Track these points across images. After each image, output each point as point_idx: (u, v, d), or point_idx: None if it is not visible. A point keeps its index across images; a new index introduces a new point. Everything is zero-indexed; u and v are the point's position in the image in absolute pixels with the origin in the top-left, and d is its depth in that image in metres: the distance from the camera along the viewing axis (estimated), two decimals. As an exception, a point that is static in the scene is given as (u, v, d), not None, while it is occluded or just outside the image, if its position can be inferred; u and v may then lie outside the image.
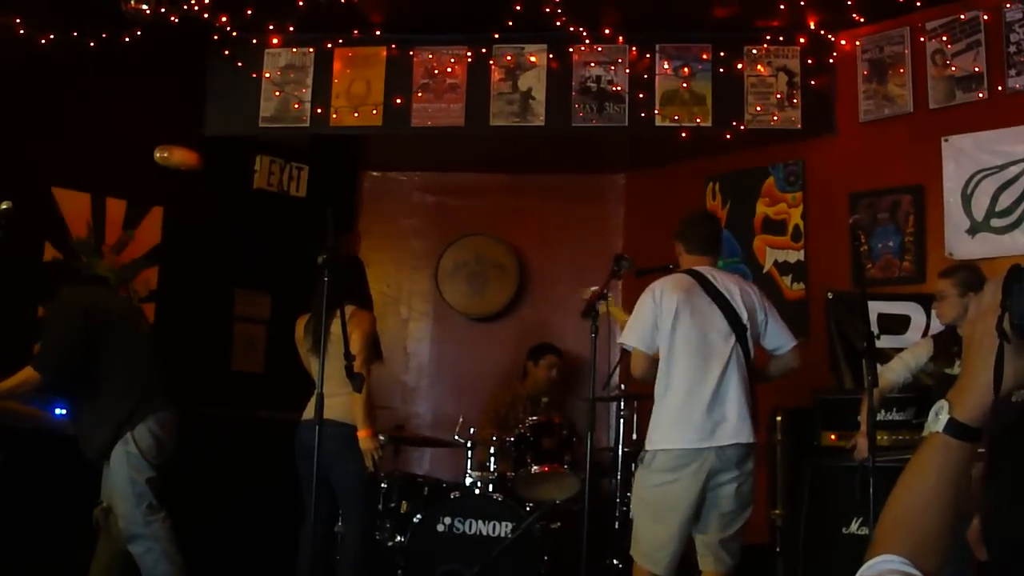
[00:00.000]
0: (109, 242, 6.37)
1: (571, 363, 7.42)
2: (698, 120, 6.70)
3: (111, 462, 4.94)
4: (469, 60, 6.87)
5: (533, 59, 6.83)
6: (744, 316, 4.71)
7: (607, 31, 6.75)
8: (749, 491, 4.67)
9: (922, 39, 6.25)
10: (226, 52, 6.85)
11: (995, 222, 5.93)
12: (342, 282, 4.70)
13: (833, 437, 5.62)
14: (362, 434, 5.11)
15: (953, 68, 6.10)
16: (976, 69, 6.00)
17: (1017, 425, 1.22)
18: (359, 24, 6.78)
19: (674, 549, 4.57)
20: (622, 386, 6.44)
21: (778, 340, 4.89)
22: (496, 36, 6.82)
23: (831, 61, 6.64)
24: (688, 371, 4.63)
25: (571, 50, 6.82)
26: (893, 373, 5.06)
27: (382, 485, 6.09)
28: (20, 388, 4.79)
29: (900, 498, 1.40)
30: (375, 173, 8.00)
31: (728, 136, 6.74)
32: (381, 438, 5.27)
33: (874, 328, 5.60)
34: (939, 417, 1.39)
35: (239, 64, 6.88)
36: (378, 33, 6.87)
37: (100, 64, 6.25)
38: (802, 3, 6.32)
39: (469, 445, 6.14)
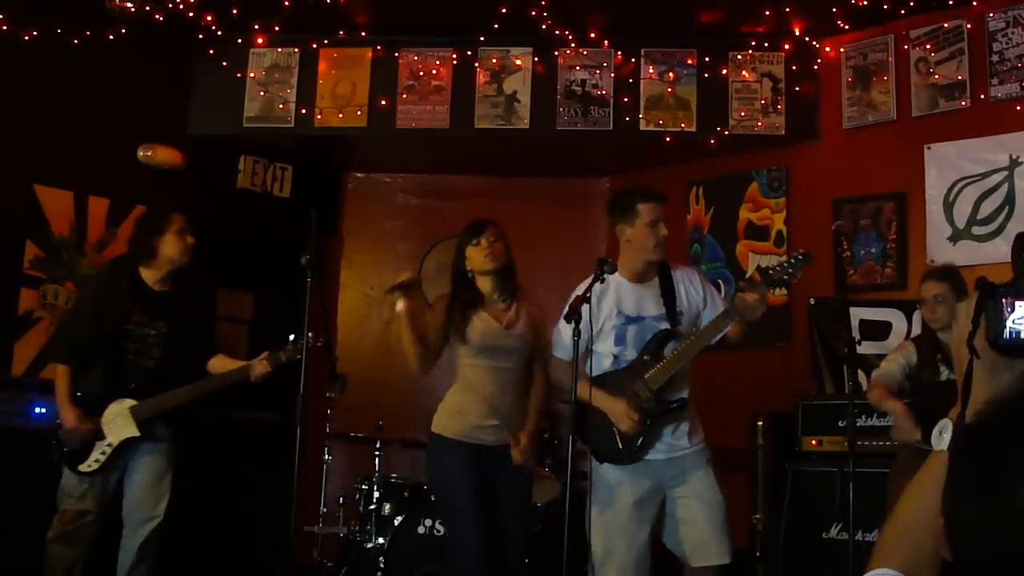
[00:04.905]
0: (91, 240, 6.34)
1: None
2: (682, 125, 6.72)
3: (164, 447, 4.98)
4: (454, 62, 6.87)
5: (518, 62, 6.83)
6: None
7: (593, 35, 6.76)
8: None
9: (906, 47, 6.28)
10: (211, 51, 6.83)
11: (976, 230, 5.96)
12: None
13: (814, 442, 5.64)
14: None
15: (936, 76, 6.13)
16: (959, 77, 6.03)
17: (980, 424, 1.23)
18: (344, 25, 6.77)
19: None
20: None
21: None
22: (482, 39, 6.83)
23: (815, 68, 6.67)
24: None
25: (556, 53, 6.83)
26: (888, 371, 4.93)
27: (362, 487, 6.08)
28: None
29: (902, 513, 1.43)
30: (359, 174, 7.99)
31: (712, 141, 6.76)
32: None
33: (856, 334, 5.63)
34: (943, 436, 1.41)
35: (224, 63, 6.86)
36: (363, 34, 6.87)
37: (84, 61, 6.23)
38: (787, 9, 6.34)
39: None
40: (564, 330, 4.29)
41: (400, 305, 4.47)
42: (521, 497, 4.59)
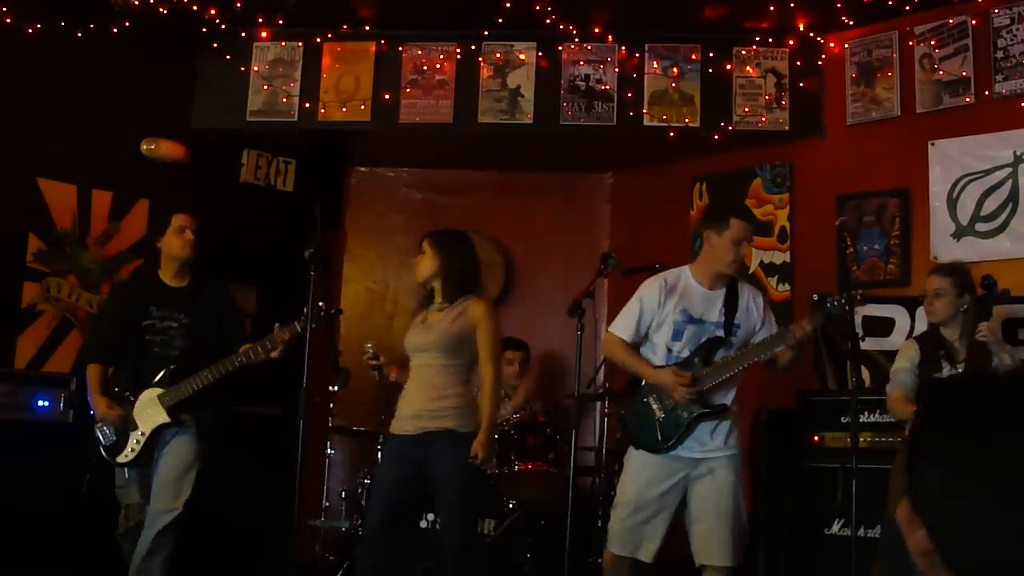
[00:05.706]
0: (94, 234, 6.34)
1: (557, 361, 7.42)
2: (686, 120, 6.71)
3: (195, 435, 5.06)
4: (458, 57, 6.86)
5: (522, 57, 6.82)
6: None
7: (597, 30, 6.75)
8: None
9: (910, 43, 6.27)
10: (214, 45, 6.82)
11: (980, 226, 5.96)
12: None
13: (816, 438, 5.63)
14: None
15: (940, 72, 6.12)
16: (963, 74, 6.02)
17: (944, 403, 1.21)
18: (348, 19, 6.76)
19: None
20: (607, 384, 6.44)
21: None
22: (486, 33, 6.82)
23: (820, 63, 6.65)
24: None
25: (560, 48, 6.82)
26: (901, 380, 4.88)
27: (364, 481, 6.09)
28: None
29: None
30: (363, 168, 7.98)
31: (716, 137, 6.75)
32: None
33: (859, 330, 5.62)
34: None
35: (227, 57, 6.85)
36: (367, 28, 6.86)
37: (87, 55, 6.23)
38: (791, 5, 6.33)
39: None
40: (629, 309, 4.70)
41: (393, 375, 5.01)
42: (445, 474, 4.72)
